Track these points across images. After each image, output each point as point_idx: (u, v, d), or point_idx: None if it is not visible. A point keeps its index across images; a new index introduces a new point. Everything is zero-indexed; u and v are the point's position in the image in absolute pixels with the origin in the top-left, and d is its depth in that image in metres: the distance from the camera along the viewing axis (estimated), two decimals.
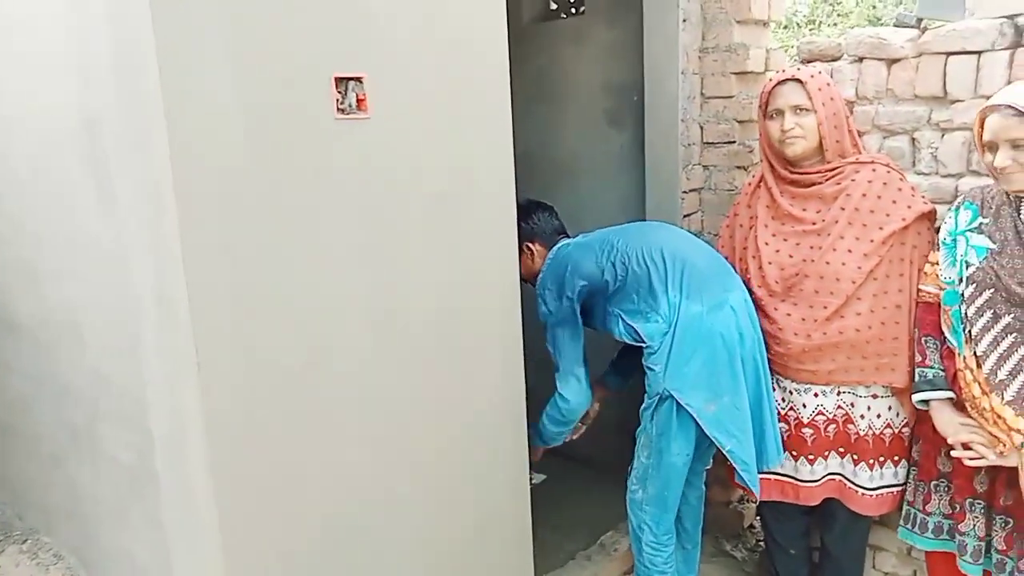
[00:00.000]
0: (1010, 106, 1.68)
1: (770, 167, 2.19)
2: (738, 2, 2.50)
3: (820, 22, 7.27)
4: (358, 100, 1.60)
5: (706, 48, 2.59)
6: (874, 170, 2.07)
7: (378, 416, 1.69)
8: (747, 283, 2.16)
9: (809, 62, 2.35)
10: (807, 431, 2.11)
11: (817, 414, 2.11)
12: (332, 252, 1.57)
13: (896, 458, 2.12)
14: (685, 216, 2.65)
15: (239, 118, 1.40)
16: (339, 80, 1.55)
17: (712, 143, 2.65)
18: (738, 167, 2.60)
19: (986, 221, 1.82)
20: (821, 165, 2.12)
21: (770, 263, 2.12)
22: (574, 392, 2.17)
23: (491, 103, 1.86)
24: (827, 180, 2.10)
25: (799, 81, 2.06)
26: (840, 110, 2.10)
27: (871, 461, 2.10)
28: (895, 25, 2.22)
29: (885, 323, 2.02)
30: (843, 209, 2.05)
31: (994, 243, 1.78)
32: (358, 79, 1.59)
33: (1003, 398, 1.75)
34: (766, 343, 2.10)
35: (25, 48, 1.64)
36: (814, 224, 2.09)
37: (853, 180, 2.07)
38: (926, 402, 1.93)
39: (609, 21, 2.81)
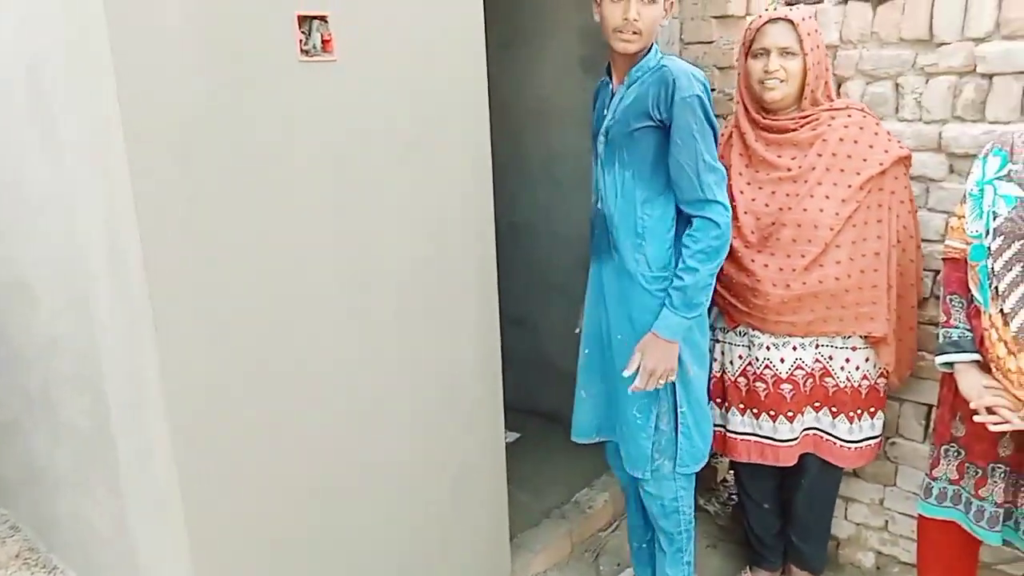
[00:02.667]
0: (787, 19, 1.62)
1: (744, 110, 2.12)
2: None
3: None
4: (323, 41, 1.49)
5: None
6: (849, 115, 2.02)
7: (348, 376, 1.62)
8: None
9: (792, 4, 2.27)
10: (786, 387, 2.08)
11: (796, 368, 2.08)
12: (297, 203, 1.48)
13: (872, 409, 2.11)
14: None
15: (193, 57, 1.29)
16: (302, 19, 1.45)
17: None
18: (718, 115, 2.51)
19: (1016, 167, 1.70)
20: (796, 112, 2.05)
21: (746, 212, 2.07)
22: (722, 213, 1.80)
23: (465, 46, 1.77)
24: (802, 127, 2.04)
25: (790, 22, 1.98)
26: (823, 58, 2.03)
27: (850, 414, 2.09)
28: None
29: (864, 271, 1.99)
30: (819, 155, 2.00)
31: (1023, 191, 1.68)
32: (322, 18, 1.48)
33: None
34: (743, 296, 2.06)
35: None
36: (790, 171, 2.03)
37: (829, 126, 2.01)
38: (950, 364, 1.85)
39: None
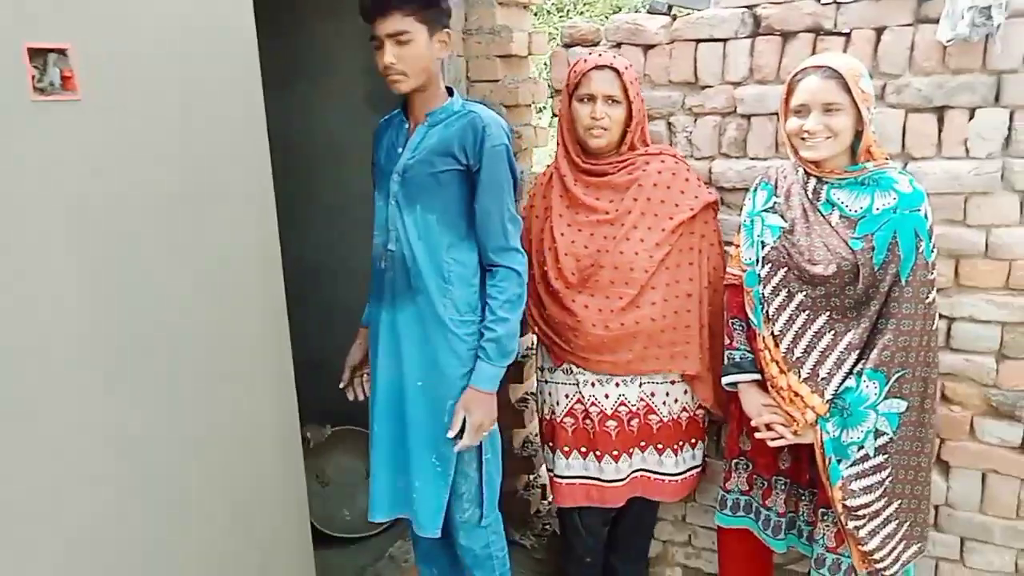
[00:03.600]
0: (829, 67, 1.69)
1: (565, 153, 2.14)
2: None
3: (568, 9, 7.56)
4: (64, 78, 1.30)
5: (469, 30, 2.51)
6: (663, 161, 2.10)
7: (112, 462, 1.41)
8: (545, 276, 2.11)
9: (570, 46, 2.35)
10: (611, 423, 2.11)
11: (619, 405, 2.11)
12: (31, 273, 1.26)
13: (693, 440, 2.20)
14: None
15: None
16: (34, 52, 1.24)
17: None
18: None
19: (779, 200, 1.84)
20: (614, 156, 2.10)
21: (566, 254, 2.08)
22: (522, 262, 1.87)
23: (238, 83, 1.62)
24: (619, 170, 2.09)
25: (615, 71, 2.02)
26: (642, 105, 2.09)
27: (675, 446, 2.16)
28: (648, 12, 2.28)
29: (678, 312, 2.06)
30: (635, 200, 2.06)
31: (785, 222, 1.81)
32: (61, 51, 1.28)
33: (799, 375, 1.79)
34: (565, 336, 2.07)
35: None
36: (607, 214, 2.07)
37: (644, 170, 2.08)
38: (734, 384, 1.96)
39: None
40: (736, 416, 2.05)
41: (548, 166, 2.27)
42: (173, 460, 1.52)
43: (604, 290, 2.05)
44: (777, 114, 2.08)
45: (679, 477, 2.19)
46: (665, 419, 2.14)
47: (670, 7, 2.25)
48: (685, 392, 2.15)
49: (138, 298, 1.42)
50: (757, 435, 1.90)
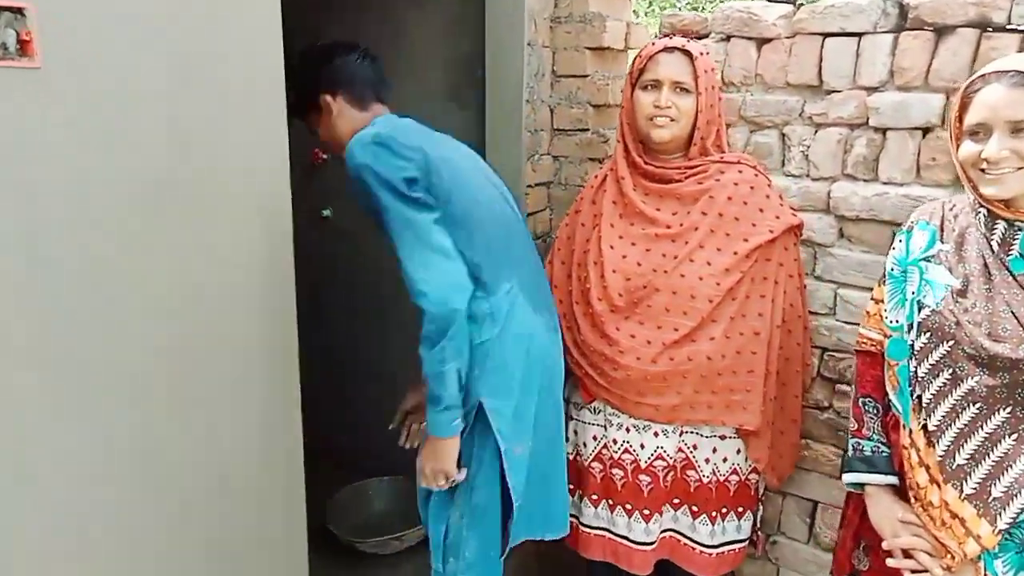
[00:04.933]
0: (1020, 72, 1.23)
1: (625, 151, 1.83)
2: None
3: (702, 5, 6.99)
4: (21, 42, 1.10)
5: (558, 17, 2.20)
6: (740, 172, 1.75)
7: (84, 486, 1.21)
8: (586, 295, 1.80)
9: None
10: (644, 479, 1.76)
11: (656, 458, 1.76)
12: None
13: (740, 509, 1.81)
14: (530, 215, 2.26)
15: None
16: None
17: (563, 130, 2.27)
18: (591, 159, 2.23)
19: (946, 248, 1.37)
20: (682, 161, 1.78)
21: (614, 271, 1.76)
22: (431, 301, 1.47)
23: (250, 50, 1.39)
24: (687, 178, 1.76)
25: (688, 54, 1.71)
26: (717, 101, 1.77)
27: (713, 514, 1.78)
28: (768, 0, 1.90)
29: (741, 352, 1.70)
30: (705, 214, 1.72)
31: (956, 279, 1.33)
32: (17, 10, 1.09)
33: (961, 491, 1.31)
34: (600, 367, 1.75)
35: None
36: (669, 228, 1.74)
37: (717, 181, 1.74)
38: (859, 485, 1.50)
39: None
40: (854, 524, 1.58)
41: (601, 167, 1.94)
42: (149, 479, 1.30)
43: (656, 318, 1.71)
44: (922, 130, 1.66)
45: (714, 551, 1.80)
46: (706, 479, 1.77)
47: None
48: (738, 452, 1.77)
49: (113, 315, 1.21)
50: (890, 562, 1.41)
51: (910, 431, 1.37)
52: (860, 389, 1.53)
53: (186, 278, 1.32)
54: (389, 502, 2.67)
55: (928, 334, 1.34)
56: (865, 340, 1.53)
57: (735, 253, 1.70)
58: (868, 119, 1.73)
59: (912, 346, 1.37)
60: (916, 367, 1.35)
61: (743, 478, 1.79)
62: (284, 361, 1.53)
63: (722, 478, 1.77)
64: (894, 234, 1.70)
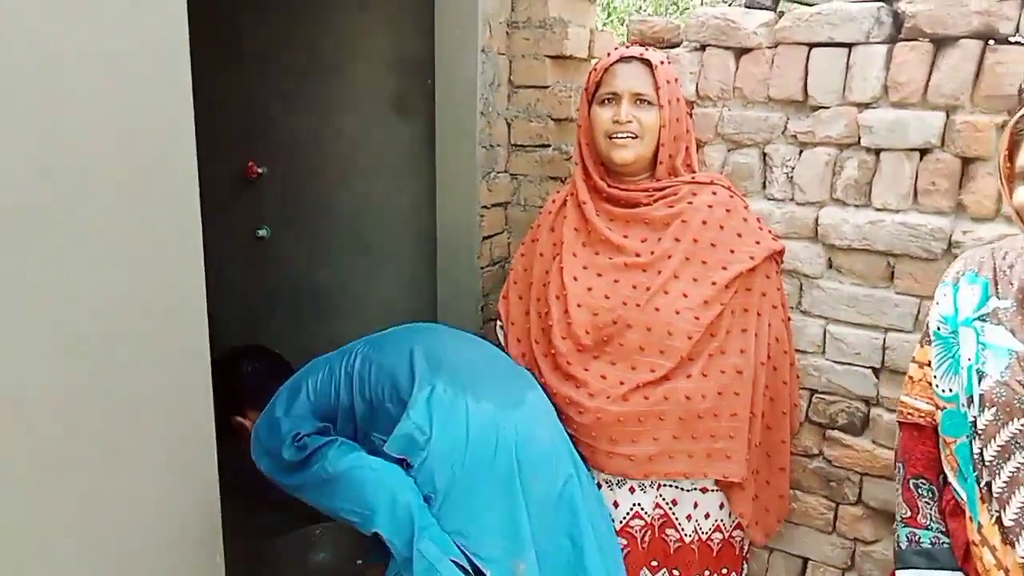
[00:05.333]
0: None
1: (584, 174, 1.65)
2: None
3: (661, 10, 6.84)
4: None
5: (515, 22, 2.00)
6: (714, 193, 1.59)
7: None
8: (547, 333, 1.60)
9: (640, 47, 1.82)
10: (620, 541, 1.57)
11: (633, 516, 1.57)
12: None
13: (724, 571, 1.62)
14: (486, 238, 2.05)
15: None
16: None
17: (521, 146, 2.07)
18: (552, 178, 2.03)
19: (1006, 305, 1.15)
20: (649, 182, 1.60)
21: (579, 306, 1.57)
22: (372, 502, 1.30)
23: (147, 52, 1.15)
24: (656, 201, 1.59)
25: (647, 63, 1.55)
26: (683, 116, 1.60)
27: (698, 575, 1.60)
28: (746, 6, 1.72)
29: (722, 393, 1.52)
30: (678, 240, 1.55)
31: (1022, 343, 1.11)
32: None
33: None
34: (566, 414, 1.54)
35: None
36: (639, 256, 1.57)
37: (690, 203, 1.58)
38: None
39: None
40: None
41: (559, 190, 1.75)
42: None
43: (629, 358, 1.53)
44: (920, 151, 1.50)
45: None
46: (688, 538, 1.58)
47: (775, 1, 1.69)
48: (721, 506, 1.59)
49: None
50: None
51: (979, 525, 1.15)
52: (910, 469, 1.30)
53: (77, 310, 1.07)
54: (333, 553, 2.43)
55: (994, 409, 1.12)
56: (911, 410, 1.30)
57: (713, 283, 1.52)
58: (860, 138, 1.56)
59: (974, 423, 1.15)
60: (981, 448, 1.13)
61: (727, 535, 1.61)
62: (194, 396, 1.28)
63: (704, 536, 1.59)
64: (892, 270, 1.56)
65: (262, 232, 2.67)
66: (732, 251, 1.55)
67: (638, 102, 1.55)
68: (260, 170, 2.61)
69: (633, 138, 1.55)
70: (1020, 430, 1.09)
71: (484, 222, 2.03)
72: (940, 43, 1.47)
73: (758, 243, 1.57)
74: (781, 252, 1.62)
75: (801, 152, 1.65)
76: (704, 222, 1.55)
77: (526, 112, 2.04)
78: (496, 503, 1.33)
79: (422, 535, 1.26)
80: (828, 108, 1.59)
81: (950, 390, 1.20)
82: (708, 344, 1.53)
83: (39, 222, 0.98)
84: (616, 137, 1.55)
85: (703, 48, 1.72)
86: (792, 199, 1.67)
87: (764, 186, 1.71)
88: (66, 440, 1.04)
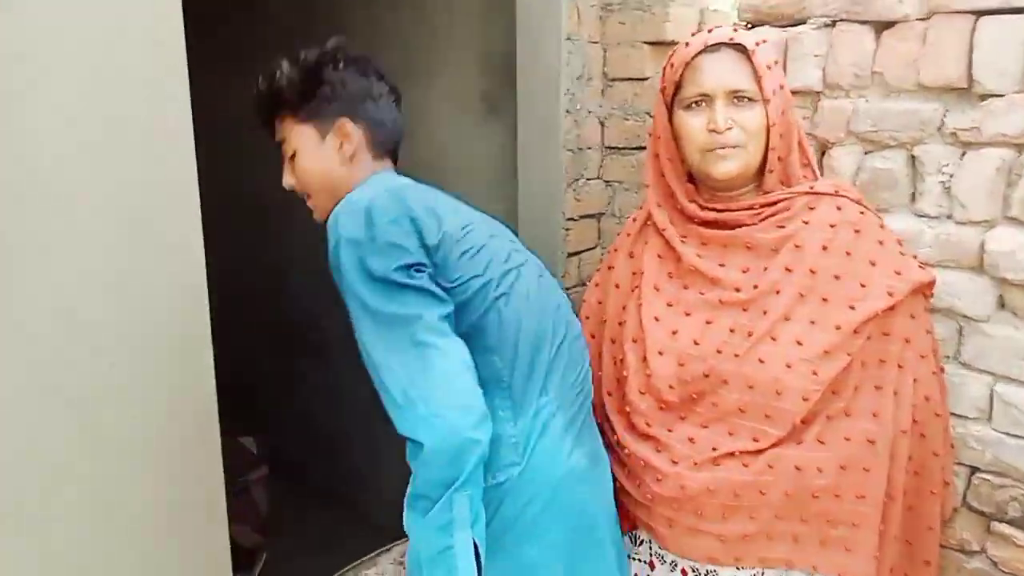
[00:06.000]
0: None
1: (668, 194, 1.34)
2: None
3: None
4: None
5: (609, 5, 1.71)
6: (839, 208, 1.23)
7: None
8: (622, 384, 1.32)
9: (755, 26, 1.48)
10: None
11: None
12: None
13: None
14: (572, 254, 1.79)
15: None
16: None
17: (617, 148, 1.78)
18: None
19: None
20: (754, 196, 1.27)
21: (661, 353, 1.27)
22: (433, 398, 0.98)
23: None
24: (763, 219, 1.26)
25: (739, 48, 1.22)
26: (790, 106, 1.26)
27: None
28: None
29: (847, 467, 1.18)
30: (790, 271, 1.21)
31: None
32: None
33: None
34: (641, 479, 1.25)
35: None
36: (739, 291, 1.25)
37: (806, 222, 1.23)
38: None
39: None
40: None
41: (640, 206, 1.44)
42: None
43: (726, 421, 1.21)
44: None
45: None
46: None
47: None
48: None
49: None
50: None
51: None
52: None
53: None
54: None
55: None
56: None
57: (838, 327, 1.18)
58: None
59: None
60: None
61: None
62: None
63: None
64: None
65: None
66: (863, 285, 1.19)
67: (737, 100, 1.21)
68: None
69: (736, 148, 1.22)
70: None
71: (570, 236, 1.77)
72: None
73: (899, 273, 1.20)
74: (931, 284, 1.24)
75: (964, 155, 1.25)
76: (824, 247, 1.21)
77: (622, 109, 1.75)
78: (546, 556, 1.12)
79: (466, 486, 0.99)
80: (1002, 97, 1.19)
81: None
82: (829, 404, 1.19)
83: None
84: (715, 150, 1.23)
85: (833, 24, 1.36)
86: (950, 216, 1.28)
87: (913, 198, 1.33)
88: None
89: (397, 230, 1.03)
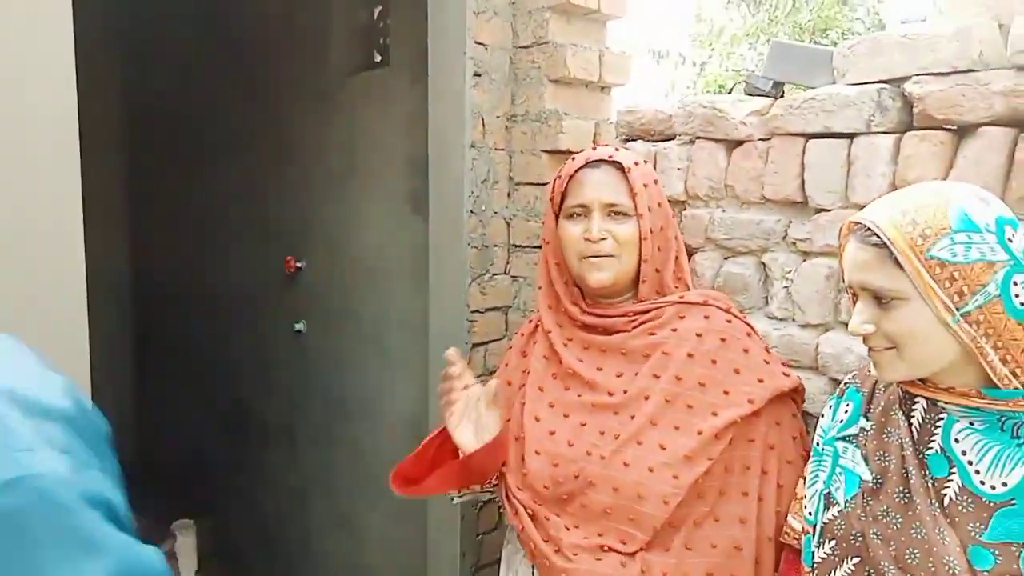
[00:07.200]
0: (867, 228, 0.93)
1: (551, 300, 1.42)
2: (551, 54, 1.77)
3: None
4: None
5: (514, 115, 1.86)
6: (706, 317, 1.30)
7: None
8: (503, 477, 1.37)
9: (630, 140, 1.62)
10: None
11: None
12: None
13: None
14: (477, 345, 1.87)
15: None
16: None
17: (522, 246, 1.89)
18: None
19: (867, 428, 1.03)
20: (630, 304, 1.35)
21: (538, 453, 1.31)
22: None
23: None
24: (636, 326, 1.33)
25: (617, 166, 1.32)
26: (669, 222, 1.36)
27: None
28: (746, 92, 1.48)
29: (714, 574, 1.20)
30: (657, 378, 1.27)
31: (871, 471, 0.99)
32: None
33: None
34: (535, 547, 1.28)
35: None
36: (611, 396, 1.30)
37: (674, 330, 1.30)
38: None
39: (413, 75, 2.11)
40: None
41: (535, 311, 1.52)
42: None
43: (595, 522, 1.24)
44: None
45: None
46: None
47: (777, 85, 1.44)
48: None
49: None
50: None
51: None
52: None
53: None
54: None
55: (832, 543, 1.01)
56: (788, 530, 1.18)
57: (699, 433, 1.22)
58: None
59: (813, 555, 1.04)
60: None
61: None
62: None
63: None
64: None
65: (299, 326, 2.65)
66: (726, 392, 1.24)
67: (612, 214, 1.30)
68: (299, 264, 2.62)
69: (610, 257, 1.31)
70: (853, 570, 0.96)
71: (475, 327, 1.86)
72: (960, 132, 1.16)
73: (761, 381, 1.25)
74: (797, 390, 1.29)
75: (803, 261, 1.35)
76: (691, 355, 1.26)
77: (526, 211, 1.87)
78: None
79: None
80: (829, 211, 1.30)
81: (810, 513, 1.08)
82: (694, 508, 1.22)
83: None
84: (590, 258, 1.31)
85: (693, 141, 1.49)
86: (791, 318, 1.37)
87: (766, 301, 1.42)
88: None
89: None
